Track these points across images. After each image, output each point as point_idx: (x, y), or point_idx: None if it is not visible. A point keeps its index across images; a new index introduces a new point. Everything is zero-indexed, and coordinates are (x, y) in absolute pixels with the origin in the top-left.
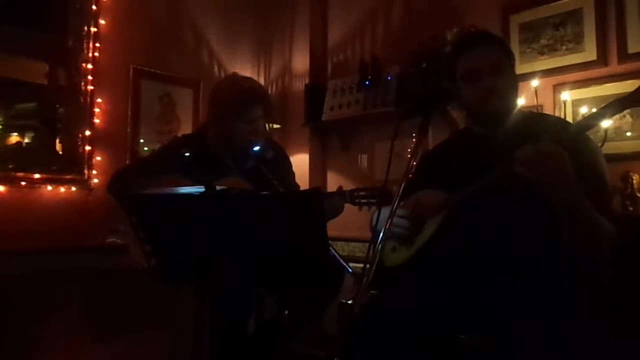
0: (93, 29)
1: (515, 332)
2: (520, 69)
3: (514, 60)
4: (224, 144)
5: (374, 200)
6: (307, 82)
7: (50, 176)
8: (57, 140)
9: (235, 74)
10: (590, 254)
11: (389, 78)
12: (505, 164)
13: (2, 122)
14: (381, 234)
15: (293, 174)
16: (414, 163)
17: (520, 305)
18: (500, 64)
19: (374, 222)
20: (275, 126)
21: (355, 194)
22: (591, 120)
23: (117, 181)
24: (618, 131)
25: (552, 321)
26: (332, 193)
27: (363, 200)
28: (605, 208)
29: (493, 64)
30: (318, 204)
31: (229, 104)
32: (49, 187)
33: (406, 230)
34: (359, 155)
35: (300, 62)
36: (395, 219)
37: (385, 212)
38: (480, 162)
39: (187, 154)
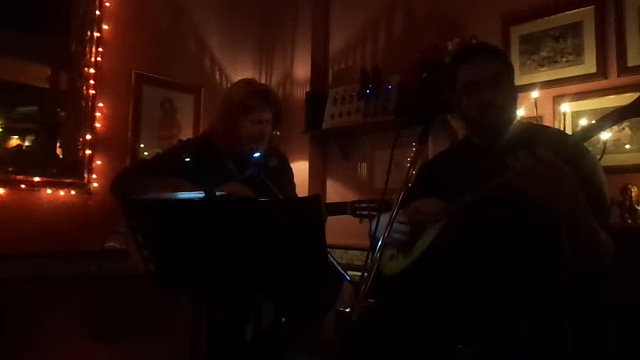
0: (96, 34)
1: (514, 342)
2: (520, 80)
3: (512, 71)
4: (230, 143)
5: (374, 213)
6: (308, 90)
7: (50, 180)
8: (58, 144)
9: (252, 79)
10: (588, 266)
11: (390, 87)
12: (505, 174)
13: (3, 125)
14: (380, 241)
15: (294, 185)
16: (414, 172)
17: (519, 314)
18: (499, 76)
19: (373, 229)
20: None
21: (357, 205)
22: (590, 132)
23: (121, 182)
24: (617, 144)
25: (552, 331)
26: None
27: (364, 212)
28: (602, 221)
29: (491, 77)
30: (316, 211)
31: (241, 103)
32: (49, 191)
33: (405, 236)
34: (359, 164)
35: (302, 70)
36: (394, 225)
37: (384, 218)
38: (479, 173)
39: (187, 159)
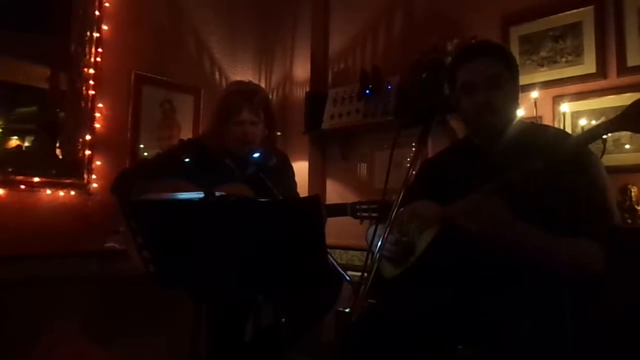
0: (96, 35)
1: (514, 342)
2: (519, 80)
3: (516, 70)
4: (218, 143)
5: (375, 215)
6: (307, 90)
7: (49, 180)
8: (57, 145)
9: (242, 81)
10: (565, 276)
11: (389, 87)
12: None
13: (3, 126)
14: (376, 253)
15: (295, 183)
16: (413, 172)
17: (520, 314)
18: (498, 78)
19: (368, 240)
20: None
21: (357, 207)
22: (591, 134)
23: (121, 182)
24: (617, 144)
25: (552, 331)
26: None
27: (365, 214)
28: (604, 224)
29: (490, 78)
30: (316, 212)
31: (224, 103)
32: (48, 191)
33: (396, 255)
34: (359, 164)
35: (301, 70)
36: (386, 245)
37: (380, 229)
38: (478, 173)
39: (186, 160)
